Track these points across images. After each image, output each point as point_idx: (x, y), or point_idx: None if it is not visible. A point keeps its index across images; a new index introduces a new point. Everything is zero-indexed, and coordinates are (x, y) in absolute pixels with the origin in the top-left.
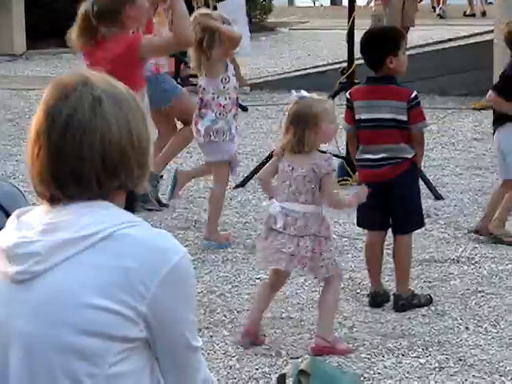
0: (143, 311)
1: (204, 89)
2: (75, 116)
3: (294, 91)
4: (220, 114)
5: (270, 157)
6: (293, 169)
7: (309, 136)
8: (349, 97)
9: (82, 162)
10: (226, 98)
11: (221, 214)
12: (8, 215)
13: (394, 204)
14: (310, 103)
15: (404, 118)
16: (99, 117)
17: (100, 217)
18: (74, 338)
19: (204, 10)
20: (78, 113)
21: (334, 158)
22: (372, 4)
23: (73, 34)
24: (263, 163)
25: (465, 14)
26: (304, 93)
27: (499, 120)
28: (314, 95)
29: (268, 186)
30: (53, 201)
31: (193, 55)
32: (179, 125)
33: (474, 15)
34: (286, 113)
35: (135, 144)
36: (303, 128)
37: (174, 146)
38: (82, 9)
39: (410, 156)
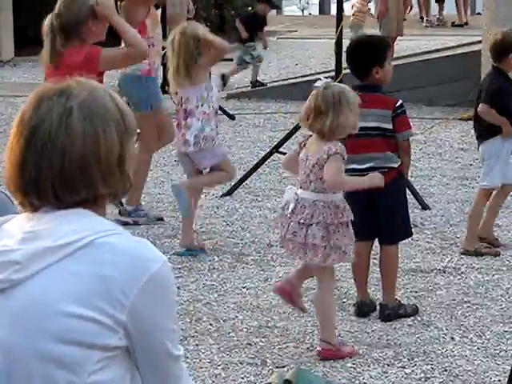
0: (123, 320)
1: (188, 98)
2: (42, 126)
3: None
4: (205, 121)
5: (258, 165)
6: (307, 158)
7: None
8: None
9: (40, 171)
10: (209, 107)
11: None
12: None
13: (380, 214)
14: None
15: (389, 126)
16: (64, 129)
17: (80, 225)
18: (53, 346)
19: (191, 22)
20: (45, 123)
21: None
22: (351, 12)
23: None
24: (251, 172)
25: (453, 24)
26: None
27: (483, 134)
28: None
29: (289, 166)
30: (25, 208)
31: (179, 63)
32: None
33: (462, 25)
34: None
35: (102, 161)
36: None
37: (140, 174)
38: (47, 22)
39: (396, 165)
